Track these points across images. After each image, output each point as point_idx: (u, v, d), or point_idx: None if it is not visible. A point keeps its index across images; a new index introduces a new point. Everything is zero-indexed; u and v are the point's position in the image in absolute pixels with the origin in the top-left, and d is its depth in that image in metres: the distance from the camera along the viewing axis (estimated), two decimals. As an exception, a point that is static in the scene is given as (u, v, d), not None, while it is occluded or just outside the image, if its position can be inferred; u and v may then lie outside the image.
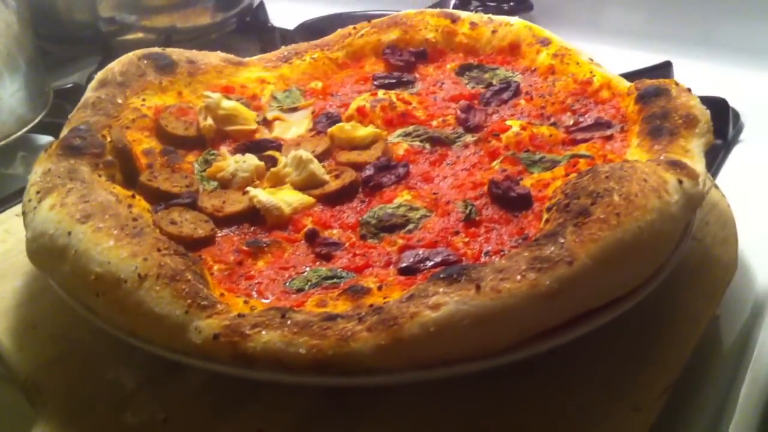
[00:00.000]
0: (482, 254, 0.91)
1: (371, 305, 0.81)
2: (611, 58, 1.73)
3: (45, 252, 0.88)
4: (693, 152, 1.01)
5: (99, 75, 1.21)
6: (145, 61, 1.23)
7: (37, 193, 0.94)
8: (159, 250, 0.84)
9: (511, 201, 0.97)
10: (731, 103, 1.58)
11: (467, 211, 0.97)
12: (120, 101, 1.17)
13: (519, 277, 0.78)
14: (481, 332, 0.77)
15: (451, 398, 0.83)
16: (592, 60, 1.25)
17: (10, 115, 1.49)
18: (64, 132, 1.12)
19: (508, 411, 0.83)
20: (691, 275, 1.01)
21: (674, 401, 0.89)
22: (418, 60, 1.34)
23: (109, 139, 1.06)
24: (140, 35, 1.77)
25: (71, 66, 1.91)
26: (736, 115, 1.57)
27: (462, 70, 1.31)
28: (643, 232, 0.83)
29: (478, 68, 1.31)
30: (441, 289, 0.78)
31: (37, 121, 1.54)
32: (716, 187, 1.20)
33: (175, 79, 1.24)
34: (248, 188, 1.02)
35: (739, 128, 1.56)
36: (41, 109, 1.57)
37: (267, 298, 0.87)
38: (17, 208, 1.16)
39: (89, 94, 1.18)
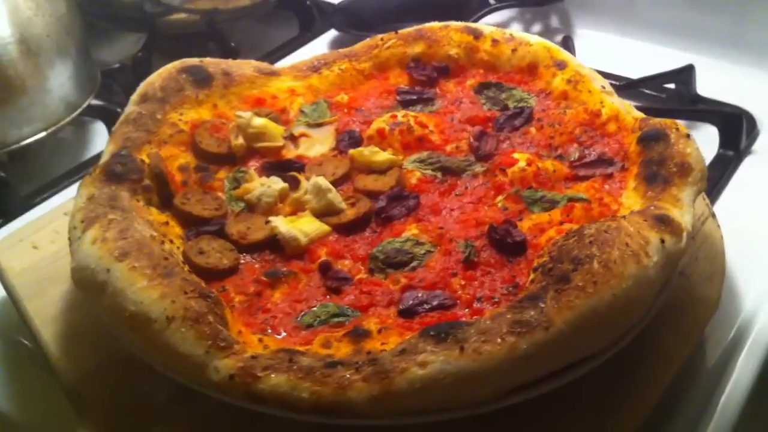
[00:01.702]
0: (475, 299, 1.01)
1: (369, 352, 0.92)
2: (638, 52, 1.79)
3: (87, 284, 1.00)
4: (683, 202, 1.09)
5: (140, 88, 1.30)
6: (184, 75, 1.32)
7: (82, 222, 1.06)
8: (186, 292, 0.95)
9: (507, 247, 1.06)
10: (752, 110, 1.64)
11: (467, 253, 1.06)
12: (159, 117, 1.27)
13: (499, 340, 0.88)
14: (462, 389, 0.88)
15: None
16: (604, 88, 1.31)
17: (60, 101, 1.60)
18: (108, 149, 1.22)
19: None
20: (672, 315, 1.09)
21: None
22: (440, 75, 1.41)
23: (147, 161, 1.16)
24: (183, 16, 1.86)
25: (117, 42, 2.00)
26: (753, 123, 1.62)
27: (480, 88, 1.38)
28: (618, 300, 0.92)
29: (497, 87, 1.38)
30: (429, 347, 0.88)
31: (85, 105, 1.65)
32: (713, 216, 1.27)
33: (211, 92, 1.33)
34: (270, 218, 1.12)
35: (754, 137, 1.60)
36: (90, 92, 1.67)
37: (280, 334, 0.99)
38: (66, 205, 1.27)
39: (131, 108, 1.28)
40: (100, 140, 1.68)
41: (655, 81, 1.70)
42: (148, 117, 1.26)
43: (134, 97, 1.30)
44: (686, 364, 1.08)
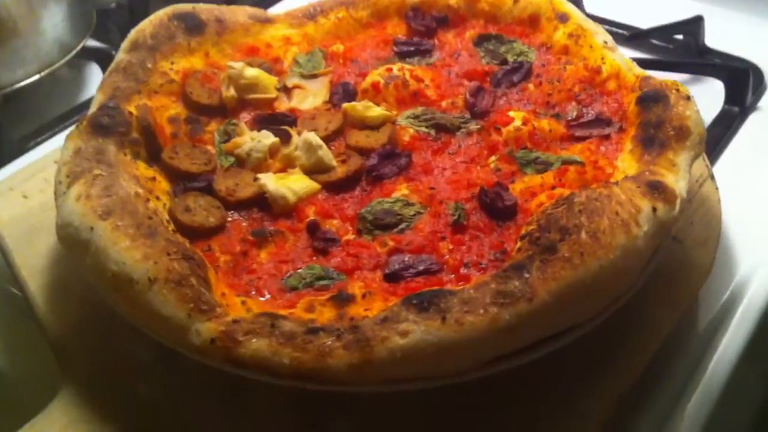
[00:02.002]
0: (462, 265, 0.99)
1: (352, 318, 0.91)
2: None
3: (71, 241, 0.99)
4: (679, 166, 1.07)
5: (131, 35, 1.28)
6: (175, 22, 1.29)
7: (67, 177, 1.04)
8: (169, 254, 0.94)
9: (497, 211, 1.04)
10: (761, 64, 1.60)
11: (456, 216, 1.05)
12: (149, 65, 1.24)
13: (482, 310, 0.87)
14: (443, 359, 0.87)
15: (419, 408, 0.94)
16: (606, 43, 1.27)
17: (54, 43, 1.57)
18: (97, 99, 1.20)
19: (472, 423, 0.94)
20: (663, 281, 1.08)
21: (626, 405, 1.00)
22: (439, 25, 1.37)
23: (136, 113, 1.14)
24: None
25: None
26: (760, 77, 1.58)
27: (480, 41, 1.34)
28: (604, 271, 0.91)
29: (496, 39, 1.34)
30: (411, 316, 0.88)
31: (80, 47, 1.62)
32: (712, 178, 1.25)
33: (203, 40, 1.31)
34: (259, 175, 1.11)
35: (761, 92, 1.57)
36: (84, 33, 1.64)
37: (264, 296, 0.98)
38: (58, 153, 1.26)
39: (121, 56, 1.26)
40: (95, 82, 1.64)
41: (663, 31, 1.66)
42: (138, 66, 1.24)
43: (125, 44, 1.27)
44: (676, 331, 1.07)
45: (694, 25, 1.64)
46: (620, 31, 1.71)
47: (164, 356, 0.98)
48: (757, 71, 1.58)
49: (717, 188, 1.24)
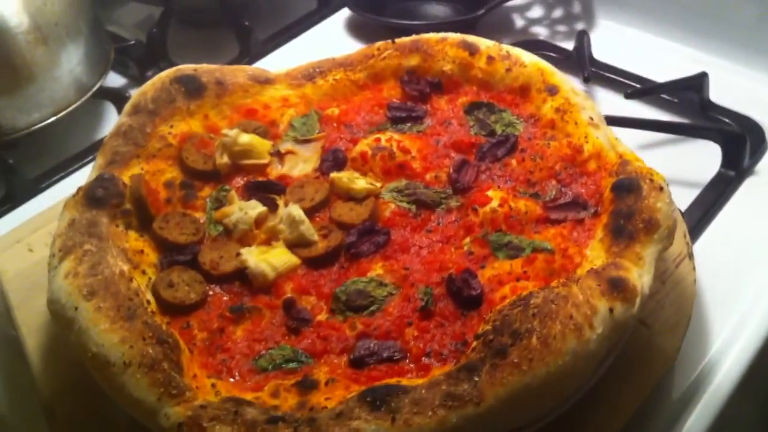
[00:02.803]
0: (424, 354, 1.04)
1: (311, 408, 0.97)
2: (658, 49, 1.75)
3: (58, 317, 1.06)
4: (645, 260, 1.10)
5: (133, 99, 1.34)
6: (176, 86, 1.35)
7: (60, 251, 1.11)
8: (144, 338, 1.00)
9: (463, 299, 1.09)
10: (765, 121, 1.61)
11: (425, 301, 1.09)
12: (149, 130, 1.30)
13: (430, 413, 0.92)
14: (391, 457, 0.93)
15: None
16: (591, 119, 1.30)
17: (70, 85, 1.64)
18: (97, 162, 1.27)
19: None
20: (625, 366, 1.12)
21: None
22: (432, 90, 1.41)
23: (129, 185, 1.21)
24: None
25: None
26: (761, 137, 1.59)
27: (471, 108, 1.38)
28: (552, 376, 0.95)
29: (487, 107, 1.37)
30: (364, 414, 0.93)
31: (96, 87, 1.69)
32: (690, 257, 1.28)
33: (203, 103, 1.36)
34: (241, 251, 1.16)
35: (762, 151, 1.58)
36: (101, 73, 1.71)
37: (234, 377, 1.04)
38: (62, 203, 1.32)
39: (123, 119, 1.32)
40: (110, 120, 1.73)
41: (665, 90, 1.67)
42: (138, 130, 1.30)
43: (127, 107, 1.33)
44: (636, 416, 1.11)
45: (697, 81, 1.65)
46: (629, 82, 1.73)
47: (141, 427, 1.05)
48: (758, 131, 1.60)
49: (694, 268, 1.26)
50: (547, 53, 1.84)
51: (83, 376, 1.11)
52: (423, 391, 0.95)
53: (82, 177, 1.32)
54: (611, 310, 1.01)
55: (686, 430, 1.14)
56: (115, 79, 1.81)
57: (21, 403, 1.22)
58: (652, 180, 1.16)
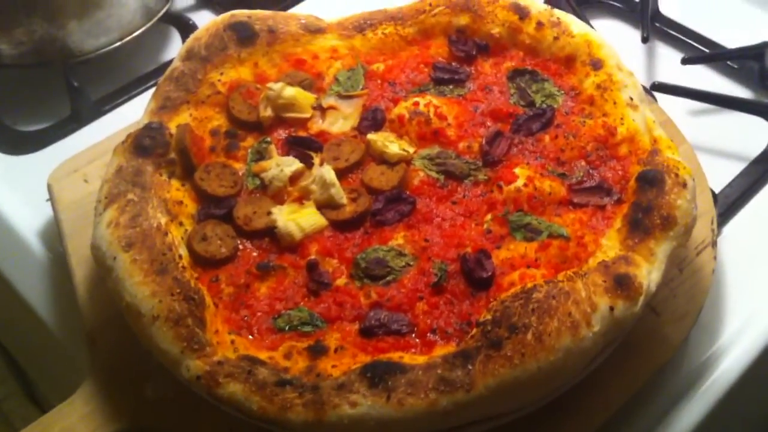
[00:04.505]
0: (430, 330, 1.11)
1: (318, 374, 1.05)
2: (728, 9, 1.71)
3: (100, 263, 1.16)
4: (657, 257, 1.13)
5: (187, 43, 1.39)
6: (229, 33, 1.39)
7: (105, 198, 1.20)
8: (172, 294, 1.09)
9: (474, 280, 1.14)
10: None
11: (438, 277, 1.15)
12: (200, 77, 1.36)
13: (423, 395, 1.00)
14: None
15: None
16: (631, 100, 1.30)
17: (137, 11, 1.70)
18: (149, 106, 1.33)
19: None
20: (626, 352, 1.16)
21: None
22: (479, 53, 1.42)
23: (174, 134, 1.28)
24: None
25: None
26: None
27: (514, 75, 1.39)
28: (542, 371, 1.01)
29: (531, 75, 1.38)
30: (362, 389, 1.01)
31: (163, 12, 1.74)
32: (713, 246, 1.29)
33: (254, 51, 1.40)
34: (272, 209, 1.23)
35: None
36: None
37: (253, 334, 1.13)
38: (122, 134, 1.40)
39: (176, 64, 1.37)
40: (174, 46, 1.79)
41: (726, 56, 1.64)
42: (189, 76, 1.36)
43: (181, 51, 1.39)
44: (628, 407, 1.16)
45: (759, 51, 1.61)
46: (694, 43, 1.70)
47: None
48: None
49: (715, 257, 1.28)
50: (613, 2, 1.81)
51: (117, 311, 1.21)
52: (420, 373, 1.02)
53: (142, 102, 1.39)
54: (612, 308, 1.06)
55: (676, 424, 1.18)
56: (177, 11, 1.84)
57: (68, 325, 1.33)
58: (677, 175, 1.18)
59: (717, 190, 1.42)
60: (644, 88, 1.52)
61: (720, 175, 1.46)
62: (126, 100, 1.68)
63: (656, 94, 1.57)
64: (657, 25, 1.73)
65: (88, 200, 1.37)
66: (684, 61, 1.61)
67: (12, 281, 1.43)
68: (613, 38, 1.57)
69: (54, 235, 1.39)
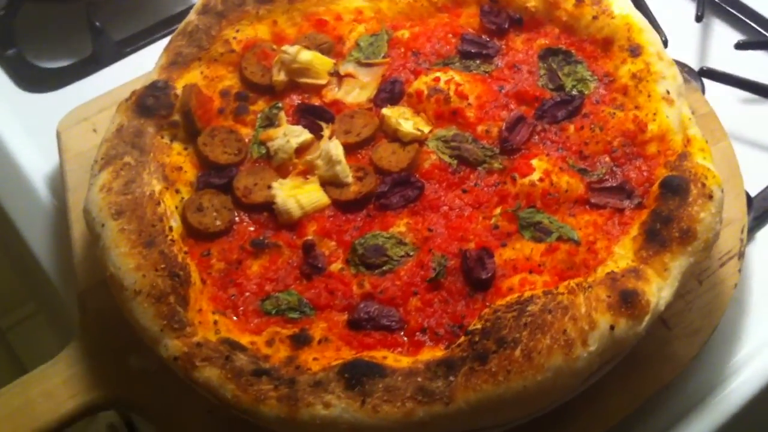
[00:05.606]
0: (420, 329, 1.06)
1: (297, 367, 1.01)
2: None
3: (90, 228, 1.12)
4: (670, 273, 1.06)
5: (204, -4, 1.33)
6: (249, -14, 1.32)
7: (102, 158, 1.16)
8: (157, 269, 1.06)
9: (473, 280, 1.08)
10: None
11: (436, 272, 1.10)
12: (214, 33, 1.30)
13: (399, 403, 0.96)
14: (355, 436, 0.97)
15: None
16: (668, 94, 1.20)
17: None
18: (160, 61, 1.29)
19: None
20: (631, 365, 1.10)
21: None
22: (511, 26, 1.33)
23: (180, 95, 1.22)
24: None
25: None
26: None
27: (546, 54, 1.30)
28: (527, 391, 0.96)
29: (564, 56, 1.29)
30: (338, 390, 0.97)
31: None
32: (740, 257, 1.21)
33: (273, 8, 1.34)
34: (273, 184, 1.18)
35: None
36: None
37: (238, 315, 1.09)
38: (135, 83, 1.36)
39: (191, 17, 1.32)
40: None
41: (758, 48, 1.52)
42: (203, 32, 1.30)
43: (197, 4, 1.33)
44: (626, 422, 1.11)
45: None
46: (753, 24, 1.58)
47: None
48: None
49: (740, 270, 1.20)
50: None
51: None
52: (399, 379, 0.97)
53: (162, 46, 1.34)
54: (612, 327, 0.99)
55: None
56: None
57: (65, 279, 1.31)
58: (704, 185, 1.09)
59: (754, 193, 1.32)
60: (692, 72, 1.43)
61: (760, 175, 1.36)
62: (149, 42, 1.63)
63: (704, 80, 1.46)
64: (716, 0, 1.60)
65: (94, 153, 1.33)
66: (738, 46, 1.49)
67: (17, 224, 1.41)
68: (665, 14, 1.47)
69: (60, 183, 1.36)
